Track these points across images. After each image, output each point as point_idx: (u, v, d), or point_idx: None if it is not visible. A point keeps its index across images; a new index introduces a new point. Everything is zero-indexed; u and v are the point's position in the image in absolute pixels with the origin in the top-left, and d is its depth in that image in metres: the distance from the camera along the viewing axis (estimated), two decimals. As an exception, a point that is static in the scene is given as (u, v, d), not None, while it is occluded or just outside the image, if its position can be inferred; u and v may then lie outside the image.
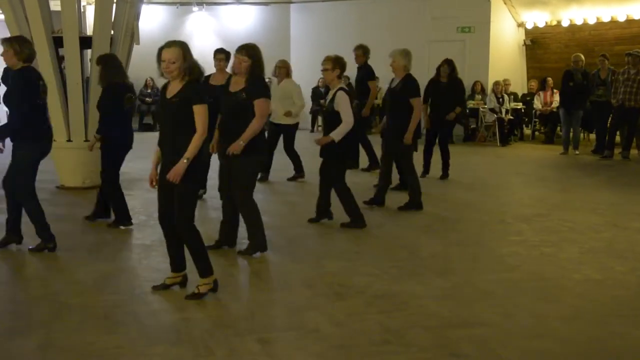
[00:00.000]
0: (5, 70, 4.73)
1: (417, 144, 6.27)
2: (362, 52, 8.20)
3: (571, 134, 10.29)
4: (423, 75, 7.82)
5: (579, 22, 12.00)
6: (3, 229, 4.84)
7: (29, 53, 4.64)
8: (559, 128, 11.46)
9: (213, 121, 4.20)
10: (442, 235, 5.32)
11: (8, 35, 5.56)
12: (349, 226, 5.42)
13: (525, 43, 12.93)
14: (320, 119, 12.32)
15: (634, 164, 9.52)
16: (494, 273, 4.32)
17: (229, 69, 5.67)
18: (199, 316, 3.51)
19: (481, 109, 11.89)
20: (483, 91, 12.32)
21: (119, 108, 5.31)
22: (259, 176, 5.59)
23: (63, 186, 7.18)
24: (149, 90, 13.60)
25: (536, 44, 12.81)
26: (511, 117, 11.74)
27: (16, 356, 3.05)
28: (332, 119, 5.26)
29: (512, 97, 12.12)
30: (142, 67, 9.90)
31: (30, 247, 4.71)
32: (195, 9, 14.23)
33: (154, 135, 4.10)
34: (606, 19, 11.60)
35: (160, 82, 5.89)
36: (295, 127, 7.71)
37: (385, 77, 6.78)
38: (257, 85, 4.50)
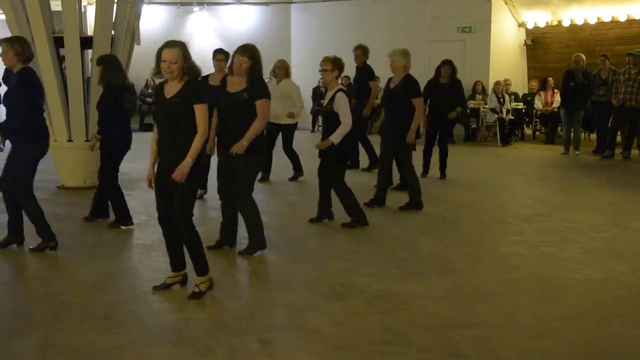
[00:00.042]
0: (7, 70, 4.73)
1: (416, 143, 6.28)
2: (362, 52, 8.21)
3: (572, 134, 10.29)
4: (423, 75, 7.81)
5: (579, 22, 11.99)
6: (3, 229, 4.85)
7: (30, 54, 4.65)
8: (559, 128, 11.46)
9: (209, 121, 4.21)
10: (442, 235, 5.32)
11: (9, 35, 5.55)
12: (351, 226, 5.42)
13: (526, 43, 12.92)
14: (320, 119, 12.31)
15: (635, 164, 9.51)
16: (495, 273, 4.32)
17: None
18: (200, 316, 3.51)
19: (482, 109, 11.89)
20: (484, 91, 12.32)
21: (119, 108, 5.32)
22: (259, 176, 5.61)
23: (64, 186, 7.18)
24: (150, 91, 13.60)
25: (537, 43, 12.81)
26: (512, 117, 11.74)
27: (16, 356, 3.05)
28: (331, 120, 5.26)
29: (513, 97, 12.12)
30: (142, 67, 9.82)
31: (31, 247, 4.71)
32: (195, 9, 14.24)
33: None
34: (607, 18, 11.59)
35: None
36: (294, 127, 7.73)
37: (385, 77, 6.77)
38: (259, 86, 4.51)
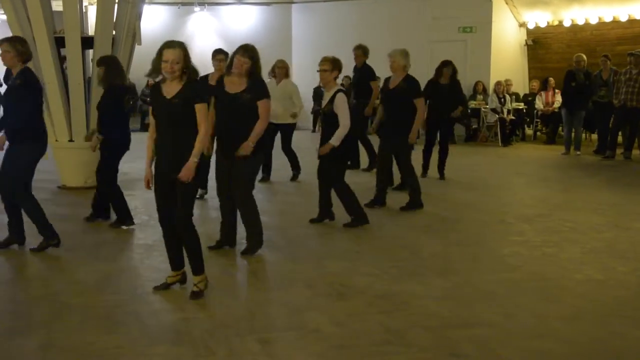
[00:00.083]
0: (8, 70, 4.73)
1: (416, 143, 6.29)
2: (362, 52, 8.22)
3: (573, 135, 10.28)
4: (424, 75, 7.80)
5: (580, 22, 11.98)
6: (4, 229, 4.85)
7: (29, 54, 4.67)
8: (560, 128, 11.45)
9: None
10: (442, 236, 5.32)
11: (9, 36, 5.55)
12: (351, 225, 5.42)
13: (526, 43, 12.92)
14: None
15: (636, 164, 9.50)
16: (495, 273, 4.32)
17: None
18: (200, 316, 3.52)
19: (483, 109, 11.88)
20: (485, 91, 12.31)
21: (120, 109, 5.34)
22: (260, 177, 5.62)
23: (65, 186, 7.19)
24: (151, 91, 13.59)
25: (538, 44, 12.80)
26: (513, 117, 11.73)
27: (16, 356, 3.05)
28: (331, 121, 5.25)
29: (514, 97, 12.11)
30: (143, 68, 9.82)
31: (33, 247, 4.71)
32: (196, 9, 14.24)
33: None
34: (608, 18, 11.58)
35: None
36: (293, 126, 7.77)
37: (386, 77, 6.76)
38: (260, 86, 4.53)
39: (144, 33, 7.52)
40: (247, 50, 4.40)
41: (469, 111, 11.86)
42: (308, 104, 13.13)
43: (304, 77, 12.25)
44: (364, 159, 8.55)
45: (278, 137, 7.63)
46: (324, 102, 5.36)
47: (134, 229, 5.41)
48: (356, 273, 4.27)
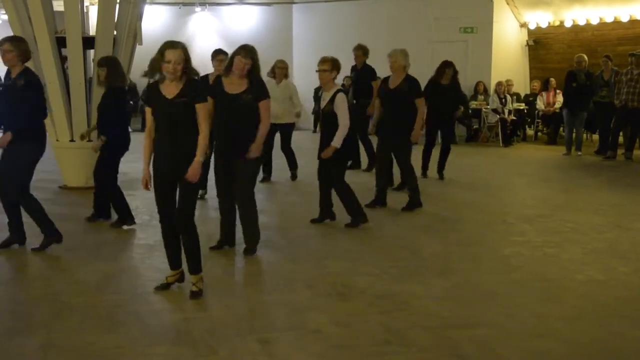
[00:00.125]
0: (8, 70, 4.71)
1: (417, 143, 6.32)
2: (362, 52, 8.23)
3: (574, 135, 10.27)
4: (424, 75, 7.79)
5: (581, 22, 11.97)
6: (3, 229, 4.85)
7: (30, 54, 4.69)
8: (561, 129, 11.44)
9: None
10: (443, 236, 5.31)
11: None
12: (352, 225, 5.42)
13: (528, 43, 12.91)
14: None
15: (637, 164, 9.49)
16: (496, 273, 4.31)
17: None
18: (200, 316, 3.52)
19: (484, 110, 11.87)
20: (486, 92, 12.30)
21: (120, 110, 5.35)
22: (260, 177, 5.63)
23: (66, 186, 7.19)
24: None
25: (539, 44, 12.79)
26: (514, 118, 11.72)
27: (17, 356, 3.05)
28: (331, 121, 5.25)
29: (515, 97, 12.10)
30: (144, 68, 9.86)
31: (34, 247, 4.72)
32: (197, 9, 14.24)
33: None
34: (609, 19, 11.57)
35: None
36: (292, 126, 7.83)
37: (384, 77, 6.75)
38: (261, 87, 4.55)
39: (145, 33, 7.53)
40: (249, 51, 4.41)
41: (470, 111, 11.85)
42: (309, 104, 13.14)
43: (305, 77, 12.24)
44: (364, 159, 8.55)
45: (277, 138, 7.65)
46: (323, 102, 5.35)
47: (135, 229, 5.41)
48: (356, 273, 4.27)
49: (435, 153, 7.96)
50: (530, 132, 12.52)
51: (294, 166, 7.85)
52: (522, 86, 12.86)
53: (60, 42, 6.98)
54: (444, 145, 8.00)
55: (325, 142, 5.32)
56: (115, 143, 5.31)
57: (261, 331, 3.29)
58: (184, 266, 3.91)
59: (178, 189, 3.75)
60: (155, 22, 13.37)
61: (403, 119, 6.05)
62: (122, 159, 5.49)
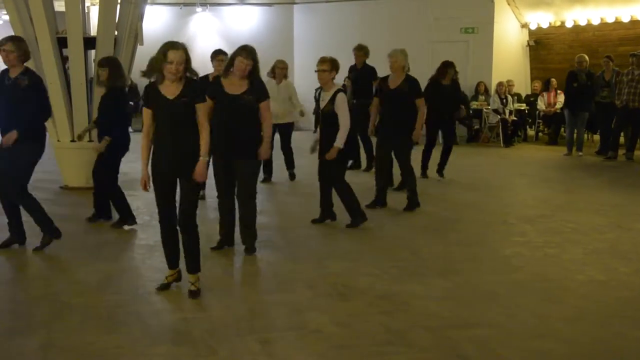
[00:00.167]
0: (4, 71, 4.69)
1: (417, 142, 6.32)
2: (363, 52, 8.24)
3: (575, 135, 10.26)
4: (425, 76, 7.78)
5: (582, 22, 11.95)
6: (3, 229, 4.85)
7: (29, 54, 4.69)
8: (562, 129, 11.43)
9: None
10: (444, 236, 5.31)
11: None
12: (353, 226, 5.42)
13: (528, 44, 12.89)
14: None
15: (638, 165, 9.48)
16: (497, 274, 4.31)
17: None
18: (200, 316, 3.52)
19: (485, 110, 11.86)
20: (486, 92, 12.29)
21: (120, 110, 5.36)
22: (261, 177, 5.64)
23: (67, 186, 7.20)
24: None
25: (540, 44, 12.77)
26: (515, 118, 11.70)
27: (17, 356, 3.05)
28: (331, 121, 5.25)
29: (516, 98, 12.09)
30: (145, 68, 9.88)
31: (35, 246, 4.72)
32: (198, 9, 14.24)
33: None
34: (610, 19, 11.56)
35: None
36: (292, 125, 7.87)
37: (382, 76, 6.74)
38: (261, 88, 4.58)
39: (146, 33, 7.53)
40: (250, 52, 4.42)
41: (471, 112, 11.84)
42: (310, 104, 13.09)
43: (306, 77, 12.21)
44: (363, 159, 8.54)
45: (276, 138, 7.67)
46: (323, 103, 5.35)
47: (136, 229, 5.41)
48: (357, 273, 4.26)
49: (435, 153, 7.95)
50: (531, 132, 12.51)
51: (292, 166, 7.87)
52: (523, 86, 12.84)
53: (62, 43, 6.98)
54: (446, 146, 8.00)
55: (325, 142, 5.32)
56: (115, 143, 5.31)
57: (261, 331, 3.29)
58: (182, 266, 3.91)
59: (179, 189, 3.76)
60: (156, 23, 13.37)
61: (403, 119, 6.05)
62: (122, 159, 5.49)
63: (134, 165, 7.23)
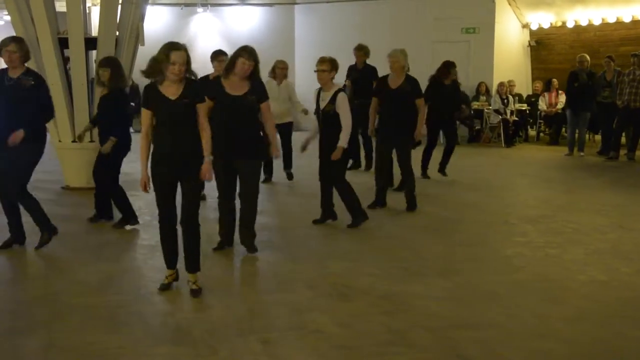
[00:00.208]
0: (2, 71, 4.69)
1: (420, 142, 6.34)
2: (364, 52, 8.24)
3: (576, 135, 10.25)
4: (425, 76, 7.79)
5: (583, 23, 11.94)
6: (4, 229, 4.85)
7: (30, 54, 4.70)
8: (564, 129, 11.42)
9: None
10: (445, 236, 5.31)
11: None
12: (354, 225, 5.42)
13: (530, 44, 12.88)
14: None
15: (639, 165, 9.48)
16: (498, 274, 4.31)
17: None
18: (201, 316, 3.52)
19: (486, 110, 11.86)
20: (488, 92, 12.28)
21: (121, 110, 5.37)
22: (262, 178, 5.64)
23: (68, 186, 7.20)
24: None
25: (541, 45, 12.77)
26: (516, 119, 11.70)
27: (18, 356, 3.05)
28: (331, 121, 5.26)
29: (517, 98, 12.08)
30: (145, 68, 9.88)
31: (35, 246, 4.73)
32: (199, 10, 14.25)
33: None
34: (611, 19, 11.54)
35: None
36: (292, 125, 7.88)
37: (381, 76, 6.73)
38: (262, 88, 4.61)
39: (147, 34, 7.54)
40: (251, 54, 4.43)
41: (472, 112, 11.84)
42: (311, 104, 13.11)
43: (307, 77, 12.17)
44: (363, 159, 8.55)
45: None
46: (323, 103, 5.35)
47: (138, 229, 5.41)
48: (357, 273, 4.26)
49: (436, 154, 7.95)
50: (532, 132, 12.50)
51: (289, 165, 7.87)
52: (524, 87, 12.83)
53: (63, 43, 6.99)
54: (449, 146, 8.00)
55: (325, 142, 5.33)
56: (117, 143, 5.31)
57: (262, 331, 3.29)
58: (178, 266, 3.93)
59: (181, 189, 3.77)
60: (157, 23, 13.38)
61: (404, 119, 6.05)
62: (124, 159, 5.50)
63: (135, 165, 7.23)
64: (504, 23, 12.66)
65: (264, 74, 5.43)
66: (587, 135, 10.99)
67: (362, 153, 8.48)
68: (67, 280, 4.20)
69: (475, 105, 11.98)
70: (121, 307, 3.62)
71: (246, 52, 4.42)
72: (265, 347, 3.11)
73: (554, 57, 12.58)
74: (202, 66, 5.45)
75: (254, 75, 4.46)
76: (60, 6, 7.26)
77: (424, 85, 7.05)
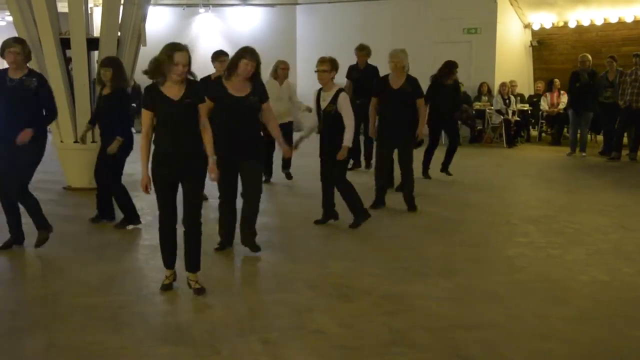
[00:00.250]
0: (2, 72, 4.69)
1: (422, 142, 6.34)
2: (365, 52, 8.25)
3: (578, 136, 10.23)
4: (427, 76, 7.77)
5: (585, 23, 11.93)
6: (4, 229, 4.86)
7: (31, 55, 4.72)
8: (565, 129, 11.40)
9: None
10: (447, 236, 5.30)
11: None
12: (356, 225, 5.42)
13: (531, 44, 12.87)
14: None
15: (642, 165, 9.46)
16: (500, 274, 4.30)
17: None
18: (202, 316, 3.52)
19: (488, 111, 11.84)
20: (489, 92, 12.27)
21: (123, 110, 5.37)
22: (262, 178, 5.65)
23: (70, 187, 7.21)
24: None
25: (543, 45, 12.75)
26: (518, 119, 11.68)
27: (18, 356, 3.06)
28: (333, 121, 5.26)
29: (519, 98, 12.07)
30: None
31: (36, 245, 4.73)
32: (201, 10, 14.26)
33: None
34: (613, 19, 11.53)
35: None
36: (292, 124, 7.87)
37: (381, 76, 6.72)
38: (263, 89, 4.63)
39: (149, 34, 7.54)
40: (254, 54, 4.43)
41: (474, 112, 11.83)
42: (312, 104, 13.11)
43: (309, 77, 12.19)
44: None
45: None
46: (324, 103, 5.35)
47: (141, 228, 5.42)
48: (358, 273, 4.26)
49: (437, 154, 7.94)
50: (534, 133, 12.48)
51: (288, 165, 7.87)
52: (526, 87, 12.82)
53: (65, 44, 7.00)
54: (451, 146, 7.99)
55: (326, 142, 5.33)
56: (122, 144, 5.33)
57: (262, 331, 3.29)
58: (178, 265, 3.94)
59: (182, 190, 3.78)
60: (159, 23, 13.40)
61: (405, 119, 6.05)
62: (127, 160, 5.50)
63: (136, 166, 7.24)
64: (506, 23, 12.65)
65: (265, 74, 5.44)
66: (589, 136, 10.97)
67: (362, 153, 8.49)
68: (67, 280, 4.21)
69: (477, 105, 11.97)
70: (122, 308, 3.63)
71: (248, 53, 4.42)
72: (266, 347, 3.11)
73: (556, 57, 12.56)
74: (203, 66, 5.46)
75: (255, 76, 4.46)
76: (62, 7, 7.27)
77: (424, 85, 7.05)
